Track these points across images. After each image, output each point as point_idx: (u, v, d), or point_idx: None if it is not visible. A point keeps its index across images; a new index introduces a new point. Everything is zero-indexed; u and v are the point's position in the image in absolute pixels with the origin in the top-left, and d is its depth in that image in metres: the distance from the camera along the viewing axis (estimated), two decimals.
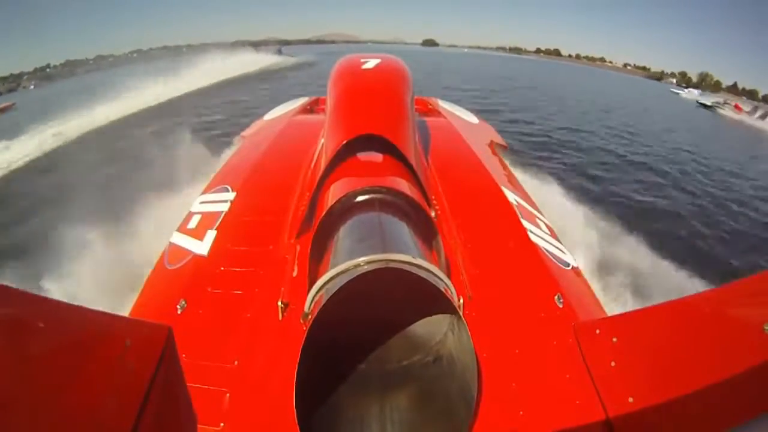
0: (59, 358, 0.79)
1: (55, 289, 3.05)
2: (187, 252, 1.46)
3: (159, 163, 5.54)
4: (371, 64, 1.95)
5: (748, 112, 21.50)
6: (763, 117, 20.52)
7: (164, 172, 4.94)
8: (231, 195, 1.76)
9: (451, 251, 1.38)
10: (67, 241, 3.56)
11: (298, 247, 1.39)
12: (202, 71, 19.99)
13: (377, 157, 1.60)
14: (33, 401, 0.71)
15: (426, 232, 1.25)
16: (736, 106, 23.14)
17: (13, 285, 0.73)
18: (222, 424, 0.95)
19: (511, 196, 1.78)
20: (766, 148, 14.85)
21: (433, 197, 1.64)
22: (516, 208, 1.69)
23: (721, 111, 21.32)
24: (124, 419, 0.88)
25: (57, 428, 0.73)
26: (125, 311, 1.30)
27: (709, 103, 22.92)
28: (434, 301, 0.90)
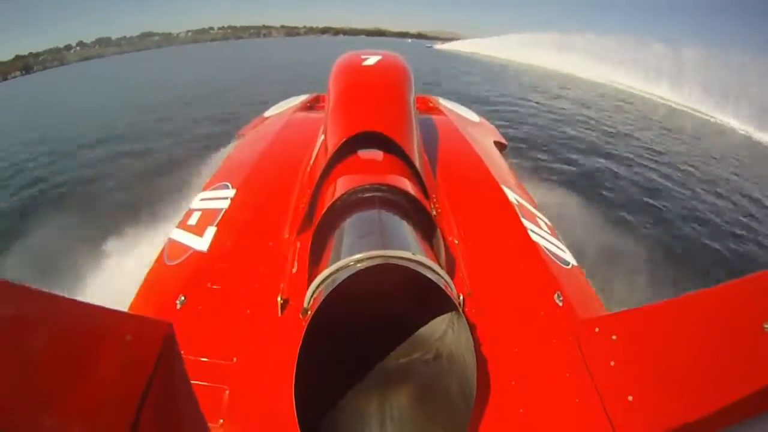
0: (60, 353, 0.79)
1: None
2: (187, 248, 1.45)
3: None
4: (372, 60, 1.94)
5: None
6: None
7: None
8: (231, 192, 1.76)
9: (451, 249, 1.38)
10: None
11: (298, 244, 1.39)
12: None
13: (378, 154, 1.59)
14: (34, 395, 0.71)
15: (426, 229, 1.25)
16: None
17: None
18: (221, 421, 0.95)
19: (512, 195, 1.78)
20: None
21: (434, 195, 1.64)
22: (516, 207, 1.69)
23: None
24: (124, 413, 0.88)
25: (59, 422, 0.74)
26: (125, 307, 1.29)
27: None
28: (434, 298, 0.90)
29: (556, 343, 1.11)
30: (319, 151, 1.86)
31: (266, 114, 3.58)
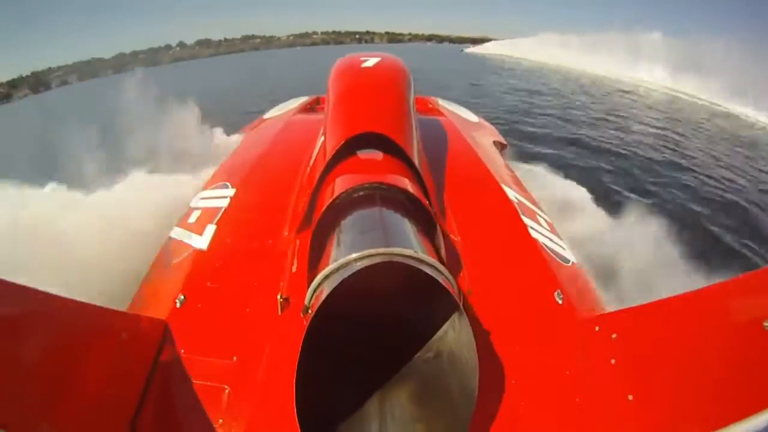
0: (56, 353, 0.79)
1: None
2: (187, 246, 1.45)
3: None
4: (371, 62, 1.95)
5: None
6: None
7: None
8: (231, 191, 1.76)
9: (451, 247, 1.38)
10: None
11: (298, 242, 1.38)
12: None
13: (378, 154, 1.59)
14: (31, 399, 0.70)
15: (427, 228, 1.25)
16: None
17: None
18: (221, 420, 0.95)
19: (511, 193, 1.79)
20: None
21: (434, 194, 1.64)
22: (516, 205, 1.69)
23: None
24: (124, 411, 0.88)
25: (59, 421, 0.73)
26: (124, 305, 1.29)
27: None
28: (435, 296, 0.89)
29: (557, 341, 1.11)
30: (318, 151, 1.86)
31: (266, 116, 3.58)
